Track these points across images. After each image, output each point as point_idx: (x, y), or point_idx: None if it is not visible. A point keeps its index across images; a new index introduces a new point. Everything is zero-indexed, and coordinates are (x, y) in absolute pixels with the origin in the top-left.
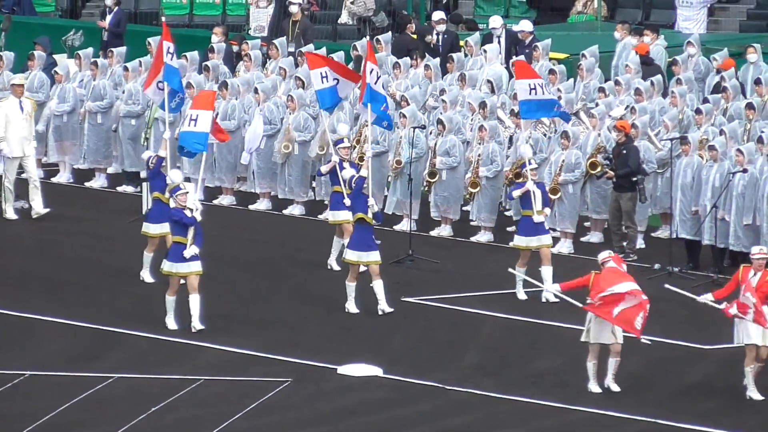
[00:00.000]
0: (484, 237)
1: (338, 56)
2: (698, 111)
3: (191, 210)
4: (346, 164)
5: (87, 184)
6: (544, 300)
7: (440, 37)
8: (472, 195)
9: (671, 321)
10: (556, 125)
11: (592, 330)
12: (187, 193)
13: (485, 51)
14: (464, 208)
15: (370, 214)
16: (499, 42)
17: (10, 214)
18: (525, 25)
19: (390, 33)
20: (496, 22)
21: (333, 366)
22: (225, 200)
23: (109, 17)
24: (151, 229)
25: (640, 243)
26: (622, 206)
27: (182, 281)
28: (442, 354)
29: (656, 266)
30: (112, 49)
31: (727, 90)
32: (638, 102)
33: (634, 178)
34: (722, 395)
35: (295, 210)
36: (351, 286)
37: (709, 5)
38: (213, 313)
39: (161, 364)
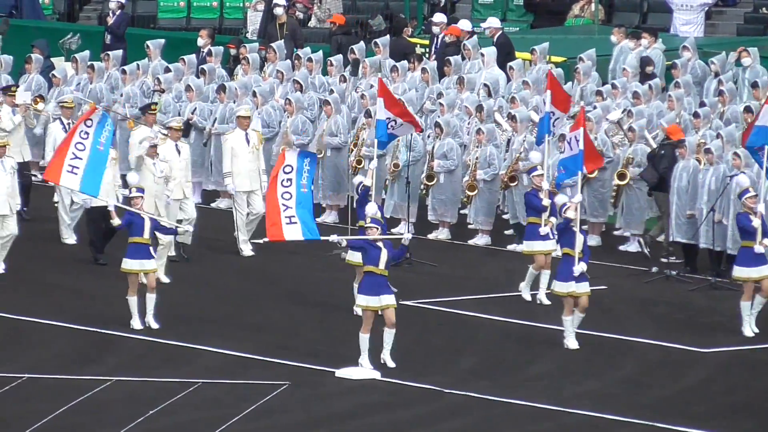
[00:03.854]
0: (481, 240)
1: (336, 59)
2: (696, 115)
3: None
4: (542, 194)
5: None
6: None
7: (438, 39)
8: (469, 198)
9: (667, 324)
10: (554, 128)
11: None
12: (375, 228)
13: (483, 54)
14: (462, 212)
15: (578, 249)
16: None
17: (246, 251)
18: (464, 24)
19: (388, 36)
20: (491, 23)
21: (331, 369)
22: (222, 203)
23: (111, 20)
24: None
25: (637, 246)
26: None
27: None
28: (439, 357)
29: (654, 269)
30: (108, 52)
31: (723, 93)
32: (636, 105)
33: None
34: (717, 398)
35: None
36: (568, 321)
37: (706, 9)
38: (210, 317)
39: (158, 368)
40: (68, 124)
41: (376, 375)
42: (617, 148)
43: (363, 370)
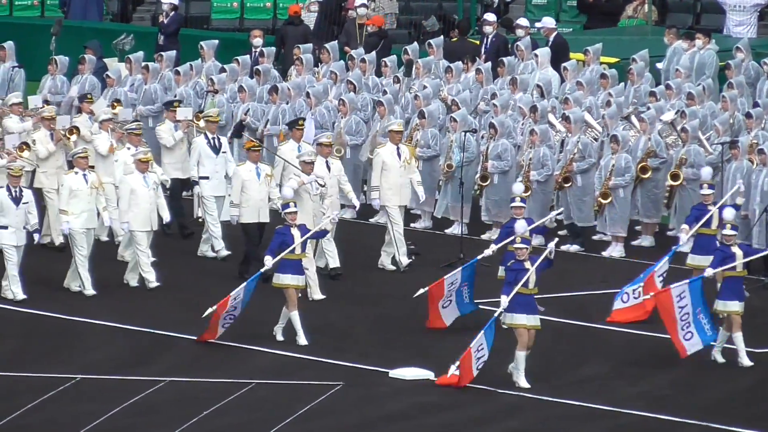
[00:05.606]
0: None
1: (390, 60)
2: (748, 115)
3: None
4: (711, 206)
5: None
6: None
7: (488, 39)
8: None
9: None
10: (608, 129)
11: None
12: (525, 248)
13: (536, 55)
14: None
15: (740, 268)
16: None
17: (404, 260)
18: (522, 21)
19: (442, 37)
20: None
21: (384, 370)
22: (382, 219)
23: (165, 20)
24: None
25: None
26: None
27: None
28: (492, 357)
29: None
30: (162, 53)
31: None
32: (690, 106)
33: None
34: None
35: (347, 214)
36: (725, 336)
37: (759, 9)
38: (263, 318)
39: (211, 368)
40: (213, 138)
41: (430, 375)
42: (671, 148)
43: (416, 370)
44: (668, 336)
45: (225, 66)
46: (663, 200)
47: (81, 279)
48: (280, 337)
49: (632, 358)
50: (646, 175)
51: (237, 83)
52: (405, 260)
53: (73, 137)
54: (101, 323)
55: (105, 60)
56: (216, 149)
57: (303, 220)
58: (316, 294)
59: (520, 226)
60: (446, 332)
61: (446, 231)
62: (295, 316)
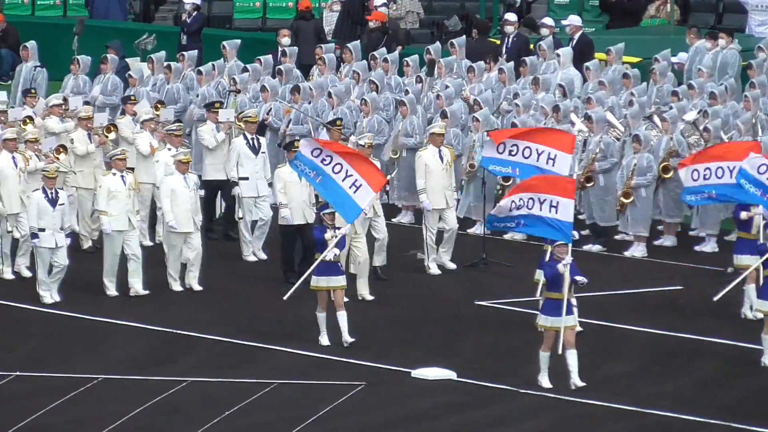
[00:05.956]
0: None
1: (412, 60)
2: None
3: None
4: (759, 208)
5: None
6: None
7: (509, 39)
8: None
9: (742, 324)
10: (631, 128)
11: None
12: (567, 245)
13: (558, 54)
14: None
15: None
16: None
17: (434, 269)
18: (546, 21)
19: (464, 37)
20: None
21: (406, 369)
22: (405, 218)
23: (188, 19)
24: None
25: (713, 246)
26: None
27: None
28: (515, 357)
29: (729, 270)
30: (184, 53)
31: None
32: (712, 106)
33: None
34: None
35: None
36: (766, 339)
37: None
38: (284, 318)
39: (234, 368)
40: (252, 138)
41: (452, 375)
42: (693, 148)
43: (438, 370)
44: (692, 336)
45: (247, 66)
46: None
47: (105, 280)
48: (348, 339)
49: (656, 358)
50: (668, 175)
51: (259, 83)
52: (434, 268)
53: (111, 135)
54: (124, 323)
55: (127, 60)
56: (255, 150)
57: (341, 219)
58: (366, 295)
59: None
60: (469, 332)
61: (468, 231)
62: (322, 317)
